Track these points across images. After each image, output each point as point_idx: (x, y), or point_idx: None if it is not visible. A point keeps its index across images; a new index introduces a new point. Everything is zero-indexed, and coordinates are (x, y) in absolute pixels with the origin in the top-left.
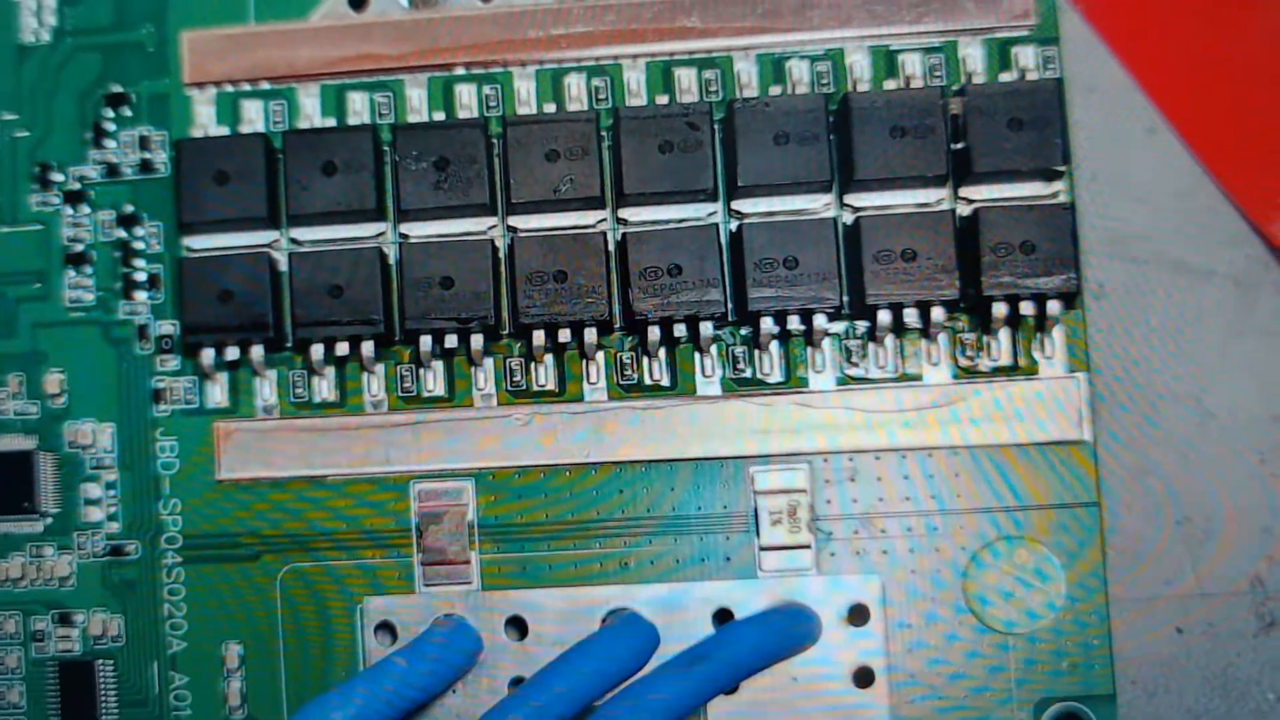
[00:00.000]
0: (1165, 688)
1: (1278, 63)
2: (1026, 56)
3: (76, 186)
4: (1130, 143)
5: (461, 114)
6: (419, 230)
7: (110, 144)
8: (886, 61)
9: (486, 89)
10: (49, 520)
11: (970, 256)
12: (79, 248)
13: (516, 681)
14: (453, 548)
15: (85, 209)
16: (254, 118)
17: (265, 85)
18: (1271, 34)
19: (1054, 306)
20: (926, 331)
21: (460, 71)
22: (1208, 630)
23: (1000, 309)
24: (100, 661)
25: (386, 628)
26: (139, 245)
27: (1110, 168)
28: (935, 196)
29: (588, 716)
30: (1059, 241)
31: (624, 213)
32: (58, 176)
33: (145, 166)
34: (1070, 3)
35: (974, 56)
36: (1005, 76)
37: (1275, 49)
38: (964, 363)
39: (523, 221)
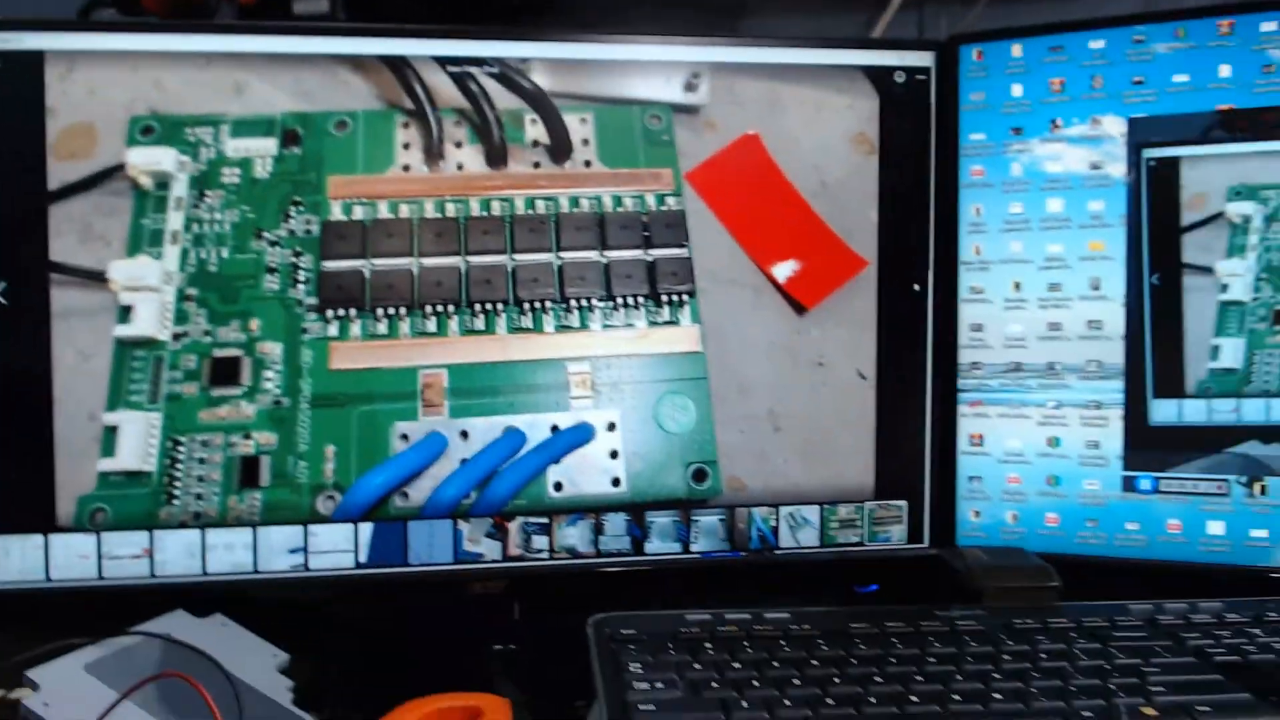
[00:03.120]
0: (743, 460)
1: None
2: None
3: None
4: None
5: None
6: None
7: None
8: None
9: None
10: None
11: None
12: None
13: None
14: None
15: None
16: None
17: None
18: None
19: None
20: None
21: None
22: (757, 429)
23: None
24: None
25: (405, 437)
26: None
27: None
28: None
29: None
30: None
31: None
32: None
33: None
34: (690, 187)
35: None
36: None
37: (782, 213)
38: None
39: None
